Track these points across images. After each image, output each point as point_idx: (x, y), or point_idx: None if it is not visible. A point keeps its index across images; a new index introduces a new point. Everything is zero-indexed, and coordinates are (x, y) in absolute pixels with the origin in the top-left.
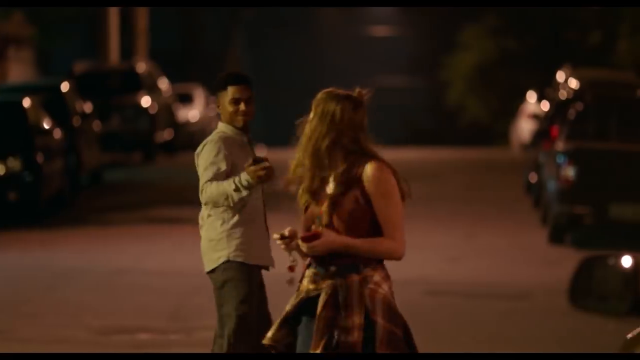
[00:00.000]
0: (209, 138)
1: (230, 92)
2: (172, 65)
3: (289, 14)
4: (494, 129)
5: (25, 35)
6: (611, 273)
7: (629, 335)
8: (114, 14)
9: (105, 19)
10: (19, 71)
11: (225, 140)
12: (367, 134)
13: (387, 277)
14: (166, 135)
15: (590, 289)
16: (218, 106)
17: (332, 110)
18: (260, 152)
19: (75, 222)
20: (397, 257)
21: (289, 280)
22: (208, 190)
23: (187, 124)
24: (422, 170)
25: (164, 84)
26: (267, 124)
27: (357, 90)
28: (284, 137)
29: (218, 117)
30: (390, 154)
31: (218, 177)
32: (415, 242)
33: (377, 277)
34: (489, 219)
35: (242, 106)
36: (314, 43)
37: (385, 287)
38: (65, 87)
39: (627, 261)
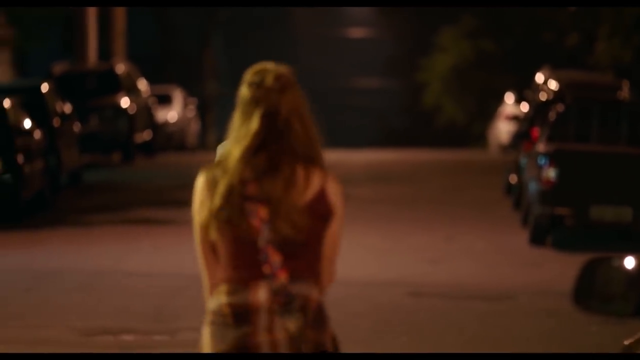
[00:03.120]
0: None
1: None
2: (150, 66)
3: (265, 15)
4: (470, 130)
5: (6, 36)
6: (615, 274)
7: (627, 342)
8: (92, 15)
9: (83, 20)
10: None
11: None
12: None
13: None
14: (145, 136)
15: (594, 291)
16: None
17: (242, 96)
18: None
19: (55, 223)
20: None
21: None
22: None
23: (165, 124)
24: (399, 171)
25: (142, 85)
26: None
27: (285, 68)
28: None
29: None
30: (366, 155)
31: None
32: (395, 244)
33: None
34: (469, 221)
35: None
36: (290, 44)
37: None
38: (45, 88)
39: (630, 262)
